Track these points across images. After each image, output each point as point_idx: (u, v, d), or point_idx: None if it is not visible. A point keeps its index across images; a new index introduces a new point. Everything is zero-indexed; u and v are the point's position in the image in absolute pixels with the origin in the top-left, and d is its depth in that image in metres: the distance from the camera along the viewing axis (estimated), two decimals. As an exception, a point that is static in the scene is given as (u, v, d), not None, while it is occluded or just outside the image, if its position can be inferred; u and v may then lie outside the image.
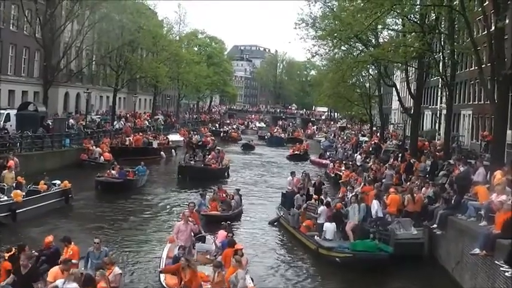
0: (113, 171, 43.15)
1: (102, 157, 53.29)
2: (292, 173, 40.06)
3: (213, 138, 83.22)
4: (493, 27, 31.54)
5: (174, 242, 22.61)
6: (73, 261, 18.15)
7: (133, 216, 35.11)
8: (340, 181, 43.54)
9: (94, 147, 54.45)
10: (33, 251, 19.53)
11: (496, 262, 19.43)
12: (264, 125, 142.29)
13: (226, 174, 53.87)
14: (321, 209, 30.40)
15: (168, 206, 39.14)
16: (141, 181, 45.21)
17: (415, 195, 29.25)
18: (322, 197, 34.27)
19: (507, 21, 33.31)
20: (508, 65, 29.83)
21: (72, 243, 20.26)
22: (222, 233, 24.49)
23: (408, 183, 34.32)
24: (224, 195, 36.73)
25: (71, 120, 60.79)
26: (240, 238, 30.16)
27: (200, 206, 33.50)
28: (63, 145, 52.68)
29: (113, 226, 31.96)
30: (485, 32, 33.87)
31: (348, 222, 29.04)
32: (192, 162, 52.11)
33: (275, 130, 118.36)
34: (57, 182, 35.69)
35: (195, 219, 25.55)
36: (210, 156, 54.82)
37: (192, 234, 23.64)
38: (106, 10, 63.16)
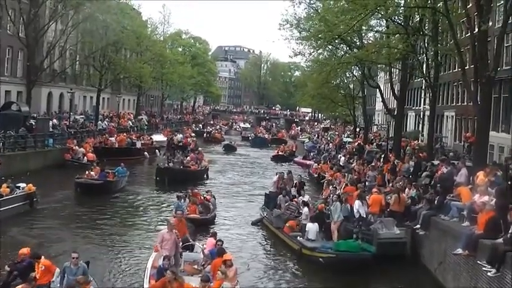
0: (92, 173, 42.50)
1: (85, 157, 52.86)
2: (278, 174, 39.86)
3: (194, 139, 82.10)
4: (476, 30, 31.70)
5: (159, 252, 21.38)
6: None
7: (113, 220, 34.17)
8: (322, 181, 43.62)
9: (77, 147, 54.13)
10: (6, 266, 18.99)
11: (479, 262, 19.58)
12: (249, 126, 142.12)
13: (205, 176, 53.33)
14: (304, 210, 30.49)
15: (148, 210, 38.56)
16: (121, 182, 44.37)
17: (399, 195, 29.41)
18: (301, 197, 34.40)
19: (490, 23, 33.56)
20: (490, 67, 30.03)
21: (43, 257, 19.20)
22: (210, 241, 23.62)
23: (391, 184, 34.47)
24: (201, 197, 36.13)
25: (54, 120, 60.44)
26: (222, 239, 30.35)
27: (178, 208, 32.27)
28: (46, 145, 52.37)
29: (91, 232, 30.93)
30: (469, 34, 34.03)
31: (331, 221, 29.11)
32: (171, 164, 51.25)
33: (259, 131, 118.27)
34: (22, 185, 34.45)
35: (183, 227, 24.18)
36: (189, 157, 54.20)
37: (180, 242, 22.60)
38: (90, 10, 62.98)
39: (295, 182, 39.21)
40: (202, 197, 36.09)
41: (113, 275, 23.48)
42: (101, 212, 36.12)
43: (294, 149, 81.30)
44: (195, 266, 21.99)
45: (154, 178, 49.77)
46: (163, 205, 39.33)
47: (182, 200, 34.04)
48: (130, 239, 29.80)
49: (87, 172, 42.57)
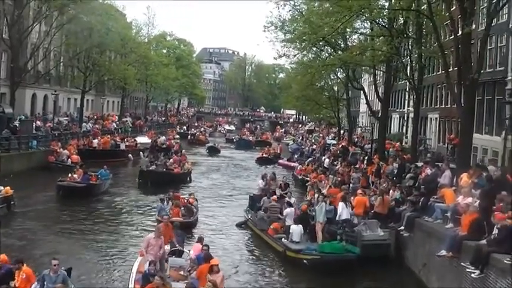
0: (75, 175, 41.89)
1: (69, 159, 52.46)
2: (263, 177, 39.72)
3: (178, 141, 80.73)
4: (460, 32, 31.84)
5: (144, 256, 20.93)
6: None
7: (95, 224, 33.40)
8: (306, 184, 43.65)
9: (61, 149, 53.76)
10: None
11: (462, 264, 19.64)
12: (233, 128, 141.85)
13: (188, 178, 52.95)
14: (288, 210, 30.47)
15: (131, 213, 38.01)
16: (104, 185, 43.71)
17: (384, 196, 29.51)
18: (286, 198, 34.41)
19: (474, 26, 33.67)
20: (474, 70, 30.13)
21: (25, 265, 18.19)
22: (197, 246, 23.25)
23: (375, 185, 34.58)
24: (185, 200, 35.96)
25: (38, 122, 60.13)
26: (207, 243, 30.27)
27: (161, 211, 32.66)
28: (30, 147, 51.98)
29: (73, 236, 30.32)
30: (453, 36, 34.15)
31: (316, 222, 29.11)
32: (154, 166, 50.65)
33: (244, 133, 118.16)
34: (0, 188, 33.93)
35: (169, 232, 23.79)
36: (171, 160, 53.78)
37: (168, 247, 22.56)
38: (74, 11, 62.69)
39: (279, 183, 39.26)
40: (185, 200, 35.90)
41: (96, 281, 23.07)
42: (83, 215, 35.58)
43: (278, 151, 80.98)
44: (181, 272, 21.49)
45: (137, 180, 49.22)
46: (146, 208, 38.89)
47: (165, 203, 33.83)
48: (113, 243, 29.37)
49: (69, 175, 41.98)
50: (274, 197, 34.41)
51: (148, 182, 47.47)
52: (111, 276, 23.82)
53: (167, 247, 22.61)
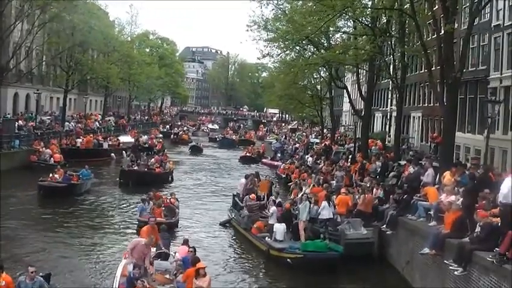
0: (56, 175, 41.35)
1: (52, 158, 52.16)
2: (246, 177, 39.50)
3: (160, 140, 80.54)
4: (442, 31, 31.96)
5: (129, 258, 20.40)
6: None
7: (76, 225, 32.92)
8: (289, 183, 43.65)
9: (44, 148, 53.51)
10: None
11: (446, 261, 19.74)
12: (217, 127, 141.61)
13: (170, 178, 52.40)
14: (273, 209, 30.44)
15: (113, 213, 37.86)
16: (85, 185, 43.32)
17: (366, 195, 29.58)
18: (271, 197, 34.36)
19: (456, 25, 33.83)
20: (456, 68, 30.27)
21: (4, 272, 17.12)
22: (183, 249, 22.86)
23: (358, 184, 34.66)
24: (166, 200, 35.51)
25: (20, 122, 59.76)
26: (190, 239, 30.17)
27: (142, 212, 32.30)
28: (12, 146, 51.71)
29: (53, 238, 29.56)
30: (435, 35, 34.29)
31: (299, 221, 29.11)
32: (135, 166, 50.20)
33: (227, 132, 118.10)
34: None
35: (155, 234, 22.56)
36: (153, 159, 53.10)
37: (153, 249, 21.79)
38: (57, 10, 62.27)
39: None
40: (167, 200, 35.54)
41: (79, 283, 22.64)
42: (63, 216, 35.14)
43: (262, 151, 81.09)
44: (167, 276, 20.86)
45: (118, 180, 48.96)
46: (128, 208, 38.60)
47: (146, 203, 33.32)
48: (95, 245, 28.81)
49: (50, 175, 41.44)
50: (253, 195, 34.24)
51: (129, 182, 47.17)
52: (94, 280, 23.38)
53: (153, 249, 21.87)
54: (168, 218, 32.61)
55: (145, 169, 49.88)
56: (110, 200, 42.03)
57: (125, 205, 40.18)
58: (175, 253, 22.90)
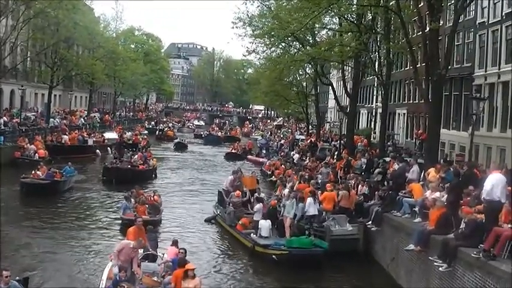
0: (39, 172, 40.60)
1: (36, 154, 51.89)
2: (234, 172, 39.30)
3: (145, 137, 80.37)
4: (427, 28, 32.06)
5: (114, 260, 19.53)
6: None
7: (59, 223, 31.99)
8: (273, 179, 43.58)
9: (28, 144, 53.18)
10: None
11: (430, 258, 19.82)
12: (203, 124, 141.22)
13: (153, 175, 51.85)
14: (258, 206, 30.43)
15: (96, 211, 37.21)
16: (68, 182, 42.59)
17: (349, 191, 29.64)
18: (256, 194, 34.31)
19: (441, 22, 33.94)
20: (442, 65, 30.40)
21: None
22: (172, 250, 21.99)
23: (341, 180, 34.74)
24: (150, 198, 34.87)
25: (4, 118, 59.40)
26: (175, 236, 30.09)
27: (125, 210, 31.89)
28: (-4, 143, 51.35)
29: (34, 236, 28.78)
30: (421, 32, 34.38)
31: (284, 218, 29.09)
32: (118, 163, 49.40)
33: (213, 129, 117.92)
34: None
35: (142, 235, 21.71)
36: (136, 156, 52.19)
37: (140, 251, 20.87)
38: (41, 6, 61.99)
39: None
40: (151, 198, 35.00)
41: (61, 285, 21.90)
42: (46, 214, 34.32)
43: (249, 147, 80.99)
44: (155, 278, 19.98)
45: (101, 178, 48.56)
46: (112, 205, 38.15)
47: (129, 201, 32.81)
48: (78, 244, 28.09)
49: (33, 172, 40.75)
50: (238, 192, 34.21)
51: (113, 179, 46.56)
52: (77, 280, 22.79)
53: (140, 250, 21.02)
54: (152, 215, 32.25)
55: (129, 166, 49.23)
56: (94, 197, 41.57)
57: (108, 202, 39.71)
58: (163, 254, 22.17)
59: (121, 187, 41.87)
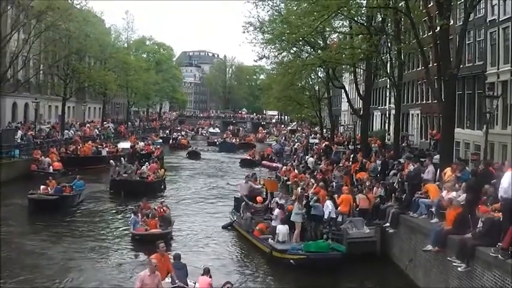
0: (48, 187, 39.14)
1: (51, 167, 51.97)
2: (246, 177, 39.27)
3: (158, 146, 78.43)
4: (437, 28, 32.00)
5: None
6: None
7: (68, 246, 29.73)
8: (288, 183, 43.55)
9: (43, 157, 53.37)
10: None
11: (448, 258, 19.77)
12: (218, 131, 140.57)
13: (162, 186, 50.06)
14: (277, 211, 30.40)
15: (105, 227, 35.50)
16: (78, 197, 41.13)
17: (366, 194, 29.66)
18: (275, 198, 34.28)
19: (451, 21, 33.88)
20: (453, 65, 30.28)
21: None
22: (204, 280, 19.62)
23: (358, 183, 34.66)
24: (161, 210, 33.36)
25: (20, 131, 59.60)
26: (191, 245, 30.15)
27: (135, 225, 30.82)
28: (12, 156, 51.61)
29: (39, 258, 27.32)
30: (431, 32, 34.31)
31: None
32: (125, 175, 47.96)
33: (228, 135, 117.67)
34: None
35: (166, 264, 19.74)
36: (145, 167, 50.20)
37: (167, 279, 19.09)
38: (52, 19, 62.29)
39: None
40: (160, 210, 33.46)
41: None
42: (53, 231, 33.09)
43: (267, 153, 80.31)
44: None
45: (108, 190, 47.21)
46: (121, 219, 37.05)
47: (138, 215, 31.85)
48: (90, 261, 27.07)
49: (42, 186, 39.31)
50: (259, 198, 34.28)
51: (121, 192, 45.33)
52: None
53: (167, 281, 19.15)
54: (163, 227, 31.36)
55: (137, 178, 47.90)
56: (103, 212, 40.19)
57: (118, 217, 38.54)
58: (194, 284, 20.09)
59: (130, 199, 40.87)
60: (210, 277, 19.79)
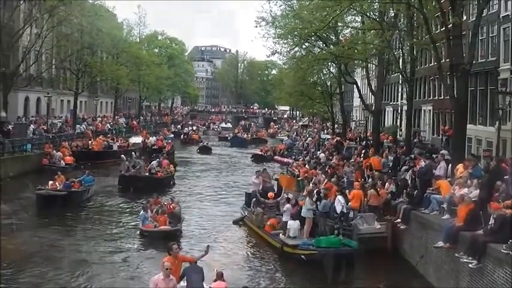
0: (57, 183, 38.48)
1: (63, 161, 52.10)
2: (257, 172, 39.27)
3: (169, 141, 77.27)
4: (450, 24, 31.86)
5: None
6: None
7: (76, 240, 29.81)
8: (298, 179, 43.48)
9: (55, 151, 53.54)
10: None
11: (459, 254, 19.69)
12: (230, 126, 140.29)
13: (171, 182, 49.70)
14: (286, 206, 30.39)
15: (114, 223, 35.02)
16: (87, 192, 40.69)
17: (378, 190, 29.59)
18: (284, 194, 34.27)
19: (464, 17, 33.73)
20: (466, 60, 30.18)
21: None
22: (218, 285, 18.52)
23: (370, 179, 34.58)
24: (170, 206, 33.26)
25: (32, 126, 59.79)
26: (202, 239, 30.12)
27: (144, 221, 30.68)
28: (24, 150, 51.85)
29: (45, 257, 26.45)
30: (443, 28, 34.17)
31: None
32: (134, 170, 47.13)
33: (239, 130, 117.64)
34: None
35: (180, 267, 18.16)
36: (154, 162, 49.76)
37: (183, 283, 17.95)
38: (65, 13, 62.41)
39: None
40: (170, 206, 33.44)
41: None
42: (61, 227, 32.78)
43: (281, 149, 79.55)
44: None
45: (117, 186, 46.74)
46: (131, 215, 36.67)
47: (148, 211, 31.54)
48: (99, 258, 26.68)
49: (50, 182, 38.70)
50: (271, 193, 34.28)
51: (130, 188, 44.70)
52: None
53: (182, 283, 18.07)
54: (172, 224, 31.11)
55: (146, 174, 47.51)
56: (112, 208, 39.90)
57: (126, 212, 38.16)
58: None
59: (139, 195, 40.57)
60: (224, 281, 18.77)
